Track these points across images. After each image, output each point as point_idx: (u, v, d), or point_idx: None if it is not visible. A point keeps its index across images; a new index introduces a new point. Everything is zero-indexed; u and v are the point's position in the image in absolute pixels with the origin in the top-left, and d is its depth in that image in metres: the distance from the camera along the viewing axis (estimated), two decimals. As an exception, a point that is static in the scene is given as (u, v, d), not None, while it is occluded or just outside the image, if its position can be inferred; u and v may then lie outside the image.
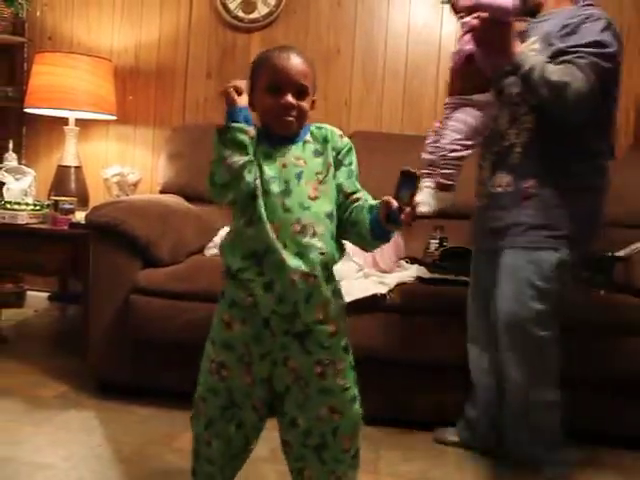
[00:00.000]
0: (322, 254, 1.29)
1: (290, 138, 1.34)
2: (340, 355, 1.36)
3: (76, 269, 2.56)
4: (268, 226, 1.28)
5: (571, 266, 1.78)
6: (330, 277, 1.34)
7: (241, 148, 1.27)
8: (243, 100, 1.29)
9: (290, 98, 1.29)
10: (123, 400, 2.19)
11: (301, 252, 1.28)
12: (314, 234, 1.28)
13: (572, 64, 1.65)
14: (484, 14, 1.67)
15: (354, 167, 1.39)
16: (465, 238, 2.65)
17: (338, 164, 1.36)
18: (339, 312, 1.36)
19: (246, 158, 1.27)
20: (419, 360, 2.09)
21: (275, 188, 1.29)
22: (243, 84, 1.31)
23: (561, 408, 1.80)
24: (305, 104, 1.32)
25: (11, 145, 3.14)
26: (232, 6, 3.19)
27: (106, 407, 2.16)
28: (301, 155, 1.33)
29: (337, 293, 1.36)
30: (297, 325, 1.31)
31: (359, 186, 1.38)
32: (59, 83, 2.97)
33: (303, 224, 1.28)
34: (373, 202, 1.32)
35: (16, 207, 2.66)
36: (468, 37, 1.76)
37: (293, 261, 1.27)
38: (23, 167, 2.96)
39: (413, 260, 2.44)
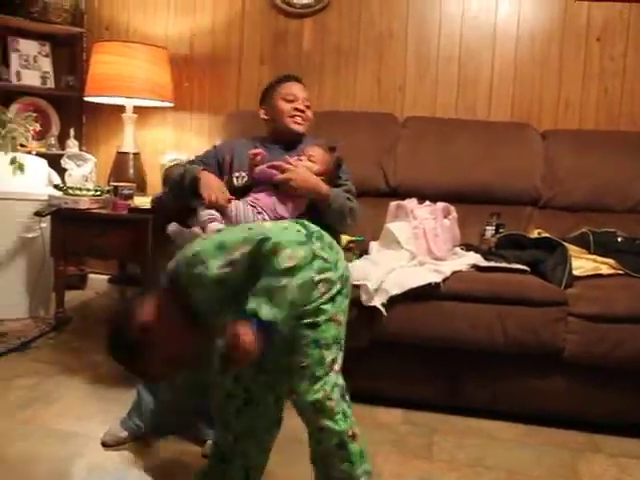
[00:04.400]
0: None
1: None
2: (298, 329, 1.30)
3: (135, 252, 2.64)
4: None
5: None
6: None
7: None
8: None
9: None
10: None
11: None
12: None
13: None
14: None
15: None
16: (522, 224, 2.61)
17: None
18: None
19: None
20: (474, 348, 2.08)
21: None
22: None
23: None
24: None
25: (72, 132, 3.26)
26: (284, -8, 3.20)
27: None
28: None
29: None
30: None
31: None
32: (117, 72, 3.03)
33: None
34: None
35: (77, 192, 2.74)
36: None
37: None
38: (84, 154, 3.05)
39: (469, 247, 2.41)
